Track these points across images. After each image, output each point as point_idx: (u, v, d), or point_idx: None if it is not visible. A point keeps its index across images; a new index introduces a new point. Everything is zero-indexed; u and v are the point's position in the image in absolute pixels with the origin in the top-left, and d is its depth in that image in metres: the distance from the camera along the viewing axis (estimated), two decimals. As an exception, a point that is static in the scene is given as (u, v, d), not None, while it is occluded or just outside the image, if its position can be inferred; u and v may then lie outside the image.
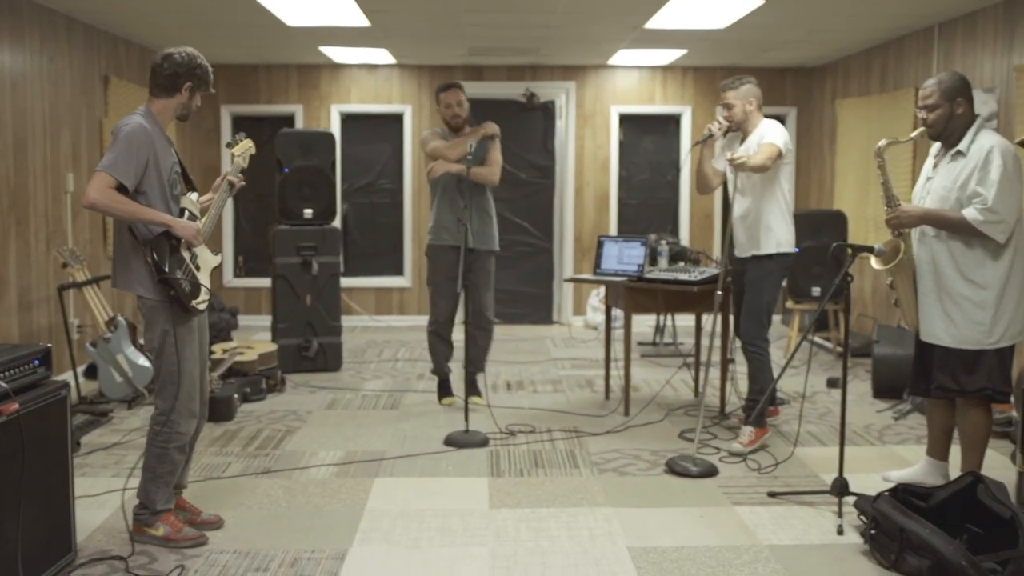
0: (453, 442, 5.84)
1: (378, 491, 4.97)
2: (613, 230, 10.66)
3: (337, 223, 8.76)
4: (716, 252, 10.41)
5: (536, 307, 10.80)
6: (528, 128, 10.66)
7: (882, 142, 4.76)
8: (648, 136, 10.74)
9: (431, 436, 6.01)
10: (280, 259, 7.93)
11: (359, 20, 7.66)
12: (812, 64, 10.34)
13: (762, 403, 5.53)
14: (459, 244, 6.26)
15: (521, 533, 4.39)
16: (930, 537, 3.79)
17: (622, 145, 10.72)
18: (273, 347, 7.45)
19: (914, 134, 4.76)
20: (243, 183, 4.54)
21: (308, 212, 8.04)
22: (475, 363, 6.71)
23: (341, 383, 7.60)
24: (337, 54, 9.68)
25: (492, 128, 6.60)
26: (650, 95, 10.61)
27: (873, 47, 8.94)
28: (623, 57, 9.84)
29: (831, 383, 7.49)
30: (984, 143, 4.56)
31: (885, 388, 6.97)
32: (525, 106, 10.54)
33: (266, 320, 9.94)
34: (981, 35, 7.09)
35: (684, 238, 10.53)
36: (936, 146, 4.82)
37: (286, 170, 8.06)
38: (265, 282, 9.84)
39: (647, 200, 10.79)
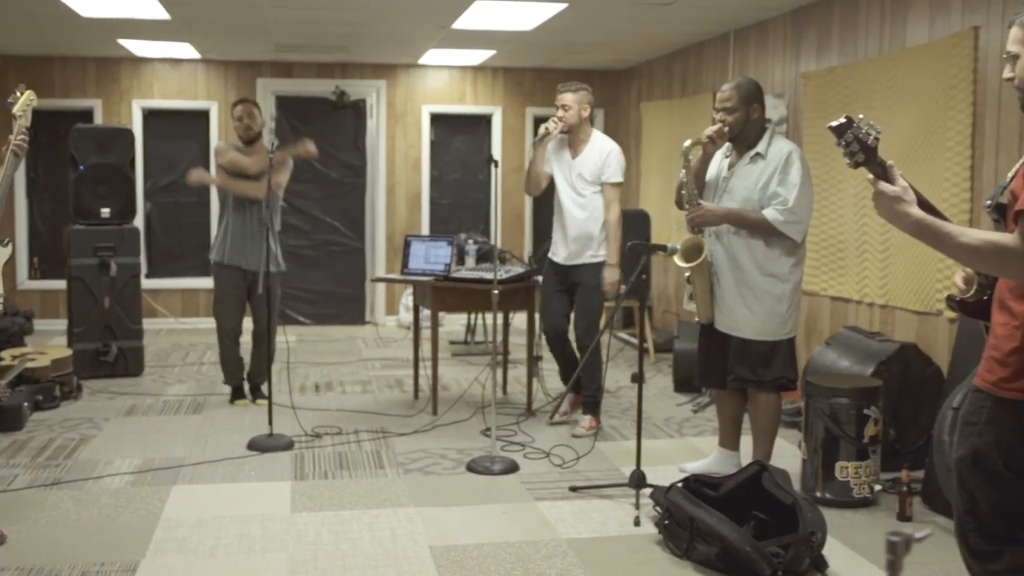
0: (256, 446, 5.72)
1: (175, 499, 4.83)
2: (425, 230, 10.65)
3: (139, 223, 8.46)
4: (526, 251, 10.56)
5: (348, 307, 10.69)
6: (339, 127, 10.53)
7: (687, 142, 4.88)
8: (459, 136, 10.78)
9: (234, 441, 5.87)
10: (76, 260, 7.59)
11: (158, 13, 7.39)
12: (619, 67, 10.60)
13: (600, 396, 6.05)
14: (249, 267, 6.45)
15: (322, 537, 4.34)
16: (717, 525, 3.95)
17: (433, 145, 10.72)
18: (68, 352, 7.12)
19: (709, 131, 4.84)
20: (27, 141, 4.24)
21: (105, 211, 7.72)
22: (261, 375, 6.79)
23: (142, 388, 7.33)
24: (138, 47, 9.32)
25: (308, 149, 6.50)
26: (461, 95, 10.66)
27: (674, 52, 9.23)
28: (433, 56, 9.85)
29: (634, 378, 7.69)
30: (783, 147, 4.77)
31: (685, 382, 7.19)
32: (335, 104, 10.42)
33: (63, 324, 9.50)
34: (772, 43, 7.41)
35: (495, 237, 10.61)
36: (726, 146, 4.99)
37: (81, 167, 7.72)
38: (61, 284, 9.38)
39: (459, 200, 10.83)
